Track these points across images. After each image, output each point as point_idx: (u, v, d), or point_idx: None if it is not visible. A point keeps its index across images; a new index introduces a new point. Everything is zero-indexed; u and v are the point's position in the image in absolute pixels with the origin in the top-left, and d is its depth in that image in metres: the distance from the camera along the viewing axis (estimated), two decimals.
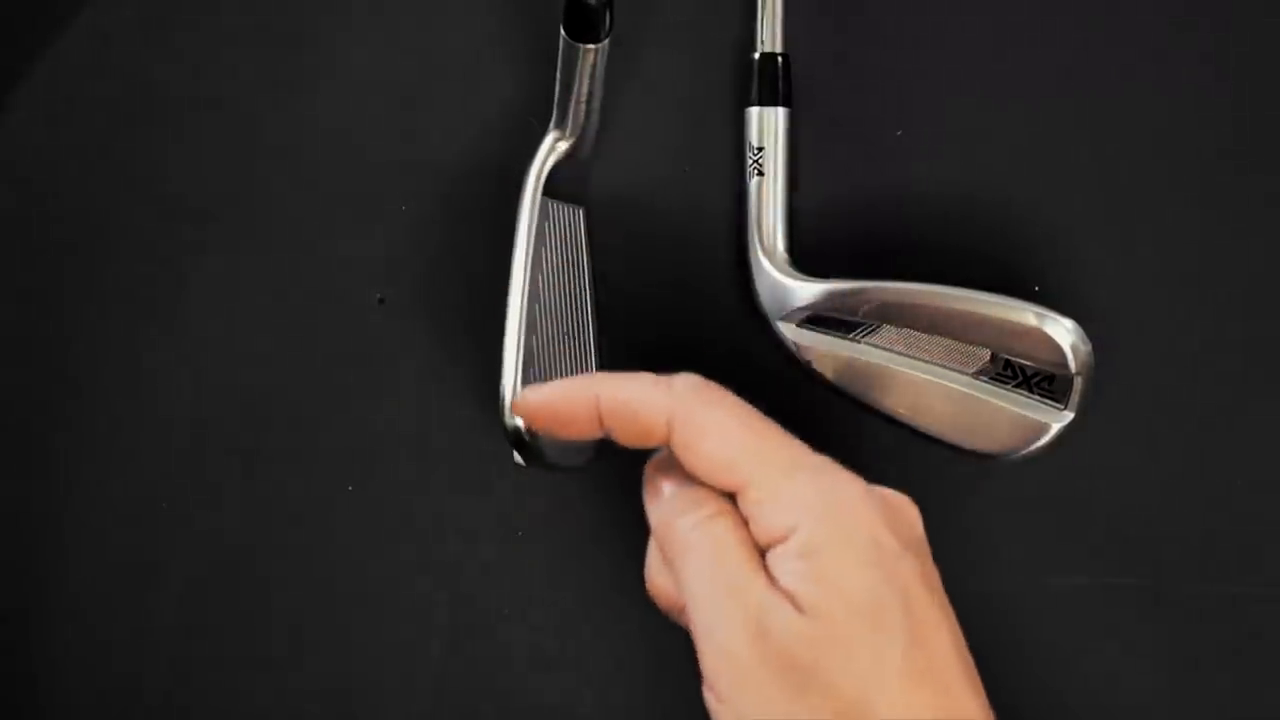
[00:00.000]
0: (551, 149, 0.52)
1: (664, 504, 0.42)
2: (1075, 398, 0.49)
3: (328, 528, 0.56)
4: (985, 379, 0.50)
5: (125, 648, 0.56)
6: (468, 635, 0.55)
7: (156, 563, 0.56)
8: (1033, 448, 0.50)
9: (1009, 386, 0.50)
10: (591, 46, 0.49)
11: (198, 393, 0.56)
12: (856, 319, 0.52)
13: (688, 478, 0.42)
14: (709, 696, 0.40)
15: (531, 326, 0.51)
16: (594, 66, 0.50)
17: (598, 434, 0.43)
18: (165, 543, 0.56)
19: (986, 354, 0.50)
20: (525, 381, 0.50)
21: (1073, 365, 0.49)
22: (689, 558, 0.41)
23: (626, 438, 0.42)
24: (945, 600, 0.40)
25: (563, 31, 0.49)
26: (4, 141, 0.57)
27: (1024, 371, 0.50)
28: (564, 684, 0.55)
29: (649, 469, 0.44)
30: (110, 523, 0.56)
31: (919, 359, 0.51)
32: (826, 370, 0.52)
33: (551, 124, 0.52)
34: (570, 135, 0.52)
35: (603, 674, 0.55)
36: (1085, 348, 0.49)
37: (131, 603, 0.56)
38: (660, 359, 0.55)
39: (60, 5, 0.57)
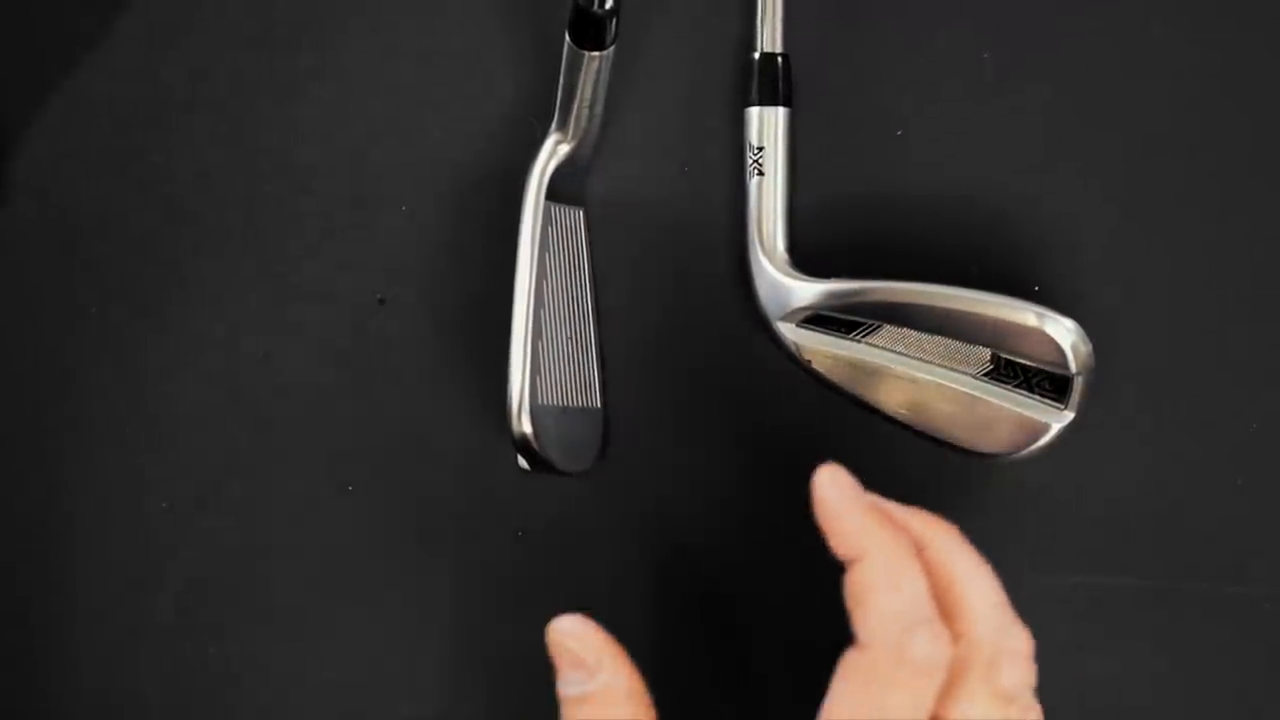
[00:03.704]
0: (553, 152, 0.52)
1: None
2: (1076, 398, 0.49)
3: (328, 528, 0.56)
4: (985, 379, 0.50)
5: (125, 648, 0.56)
6: (468, 635, 0.55)
7: (157, 563, 0.56)
8: (1033, 448, 0.50)
9: (1009, 386, 0.50)
10: (596, 54, 0.49)
11: (198, 393, 0.56)
12: (856, 319, 0.52)
13: None
14: None
15: (537, 332, 0.51)
16: (598, 73, 0.49)
17: None
18: (165, 543, 0.56)
19: (987, 354, 0.50)
20: (532, 388, 0.50)
21: (1073, 365, 0.49)
22: None
23: None
24: None
25: (567, 37, 0.48)
26: (7, 142, 0.57)
27: (1024, 371, 0.50)
28: None
29: None
30: (110, 523, 0.56)
31: (919, 359, 0.51)
32: (826, 370, 0.52)
33: (553, 126, 0.52)
34: (572, 139, 0.52)
35: None
36: (1086, 348, 0.49)
37: (131, 603, 0.56)
38: (661, 359, 0.55)
39: (67, 8, 0.57)
